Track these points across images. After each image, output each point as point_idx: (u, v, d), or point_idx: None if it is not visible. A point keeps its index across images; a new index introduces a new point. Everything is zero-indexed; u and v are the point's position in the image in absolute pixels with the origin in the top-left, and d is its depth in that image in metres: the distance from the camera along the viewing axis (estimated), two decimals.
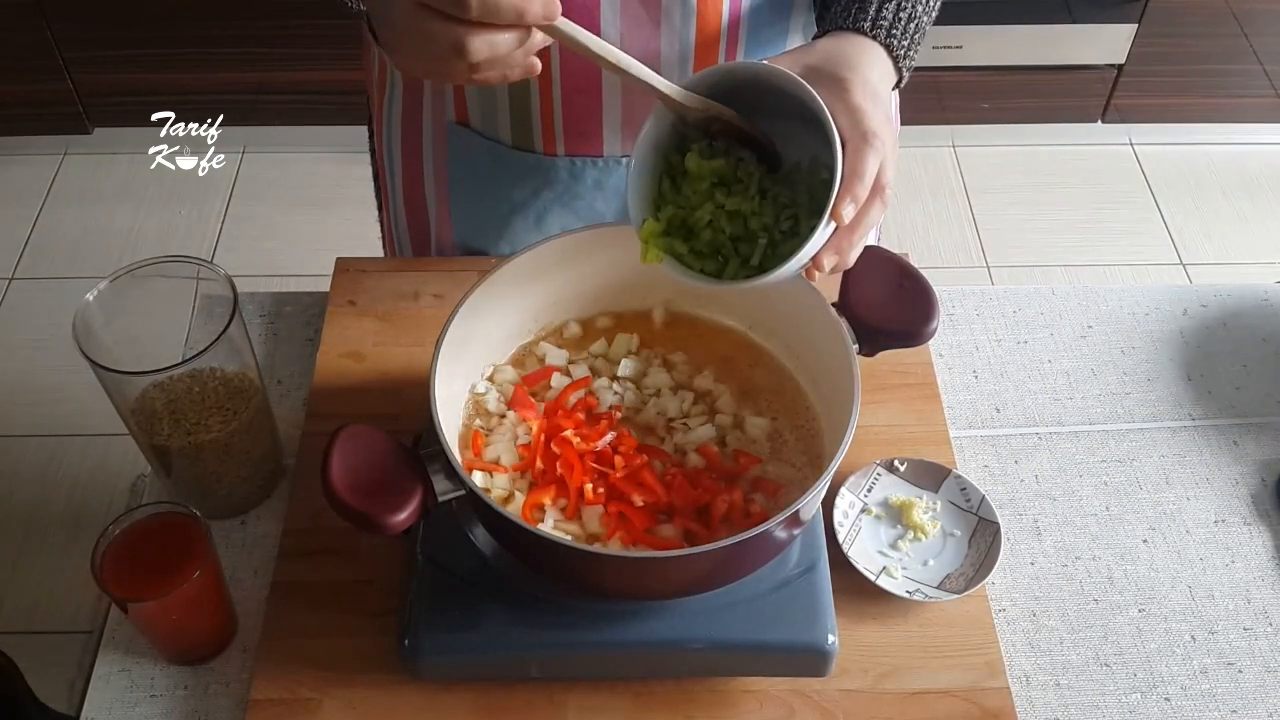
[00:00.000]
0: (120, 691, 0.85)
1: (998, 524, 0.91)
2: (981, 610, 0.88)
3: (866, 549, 0.91)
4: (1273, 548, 0.95)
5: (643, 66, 0.73)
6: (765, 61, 0.74)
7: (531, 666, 0.82)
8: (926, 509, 0.93)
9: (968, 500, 0.93)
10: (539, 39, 0.70)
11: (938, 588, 0.88)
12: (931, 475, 0.95)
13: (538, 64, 0.71)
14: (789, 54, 0.78)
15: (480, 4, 0.65)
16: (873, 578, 0.88)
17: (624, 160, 1.02)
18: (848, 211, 0.70)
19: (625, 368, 0.90)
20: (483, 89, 0.98)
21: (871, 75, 0.76)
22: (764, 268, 0.74)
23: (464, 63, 0.68)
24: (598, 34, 0.91)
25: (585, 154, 1.02)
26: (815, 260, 0.73)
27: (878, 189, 0.73)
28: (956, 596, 0.87)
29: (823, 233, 0.71)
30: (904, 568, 0.90)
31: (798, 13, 0.97)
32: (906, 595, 0.87)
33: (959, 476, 0.94)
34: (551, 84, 0.96)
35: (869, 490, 0.95)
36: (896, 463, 0.95)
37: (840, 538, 0.90)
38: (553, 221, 1.07)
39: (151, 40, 2.37)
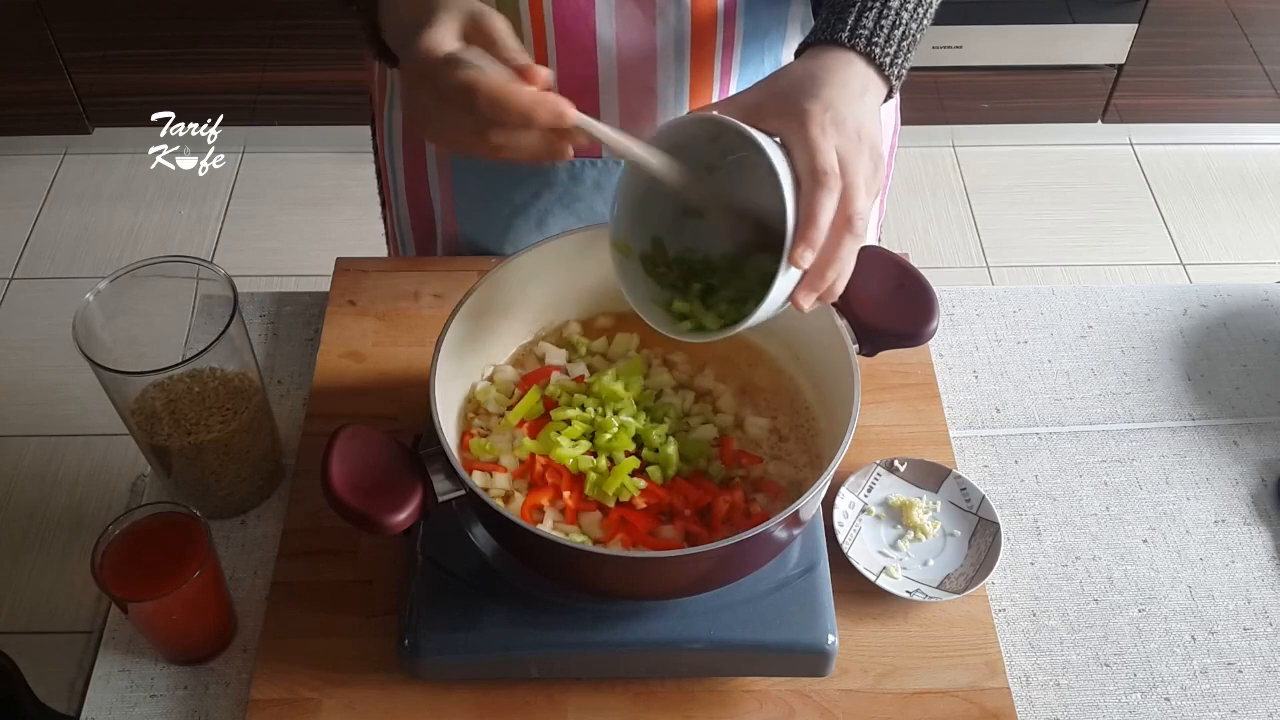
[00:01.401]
0: (120, 691, 0.85)
1: (998, 524, 0.91)
2: (981, 610, 0.88)
3: (867, 549, 0.91)
4: (1273, 548, 0.95)
5: (652, 160, 0.73)
6: (715, 113, 0.73)
7: (531, 666, 0.82)
8: (926, 509, 0.93)
9: (968, 500, 0.93)
10: (573, 143, 0.71)
11: (938, 588, 0.88)
12: (932, 475, 0.95)
13: (568, 151, 0.71)
14: (762, 82, 0.76)
15: (489, 102, 0.67)
16: (873, 578, 0.88)
17: (623, 162, 1.02)
18: (805, 257, 0.69)
19: None
20: None
21: (841, 95, 0.73)
22: (741, 316, 0.73)
23: (485, 147, 0.70)
24: (592, 30, 0.92)
25: (584, 155, 1.02)
26: (793, 302, 0.72)
27: (843, 222, 0.70)
28: (957, 596, 0.87)
29: (784, 279, 0.70)
30: (904, 568, 0.90)
31: (795, 1, 0.96)
32: (906, 595, 0.87)
33: (959, 476, 0.94)
34: (550, 87, 0.95)
35: (869, 490, 0.95)
36: (896, 463, 0.95)
37: (840, 538, 0.90)
38: (554, 224, 1.07)
39: (151, 40, 2.37)
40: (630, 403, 0.85)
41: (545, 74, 0.69)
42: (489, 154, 0.71)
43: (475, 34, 0.71)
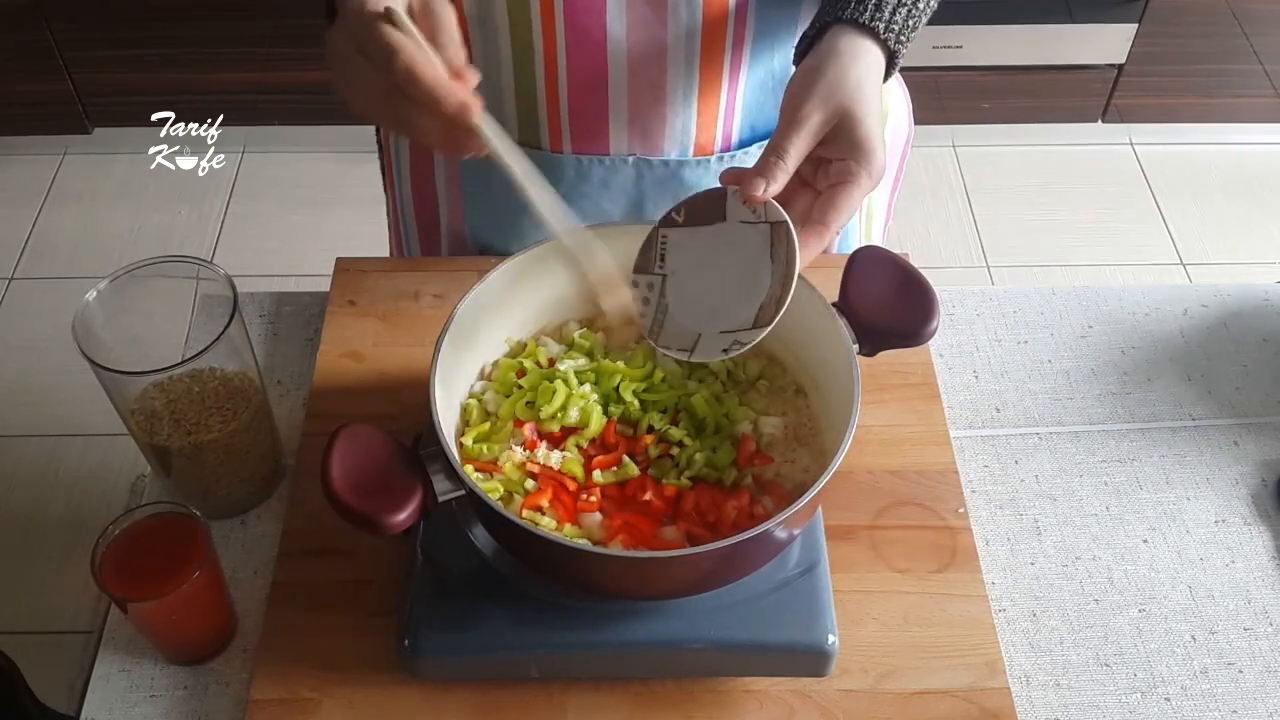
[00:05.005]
0: (120, 691, 0.85)
1: (786, 221, 0.77)
2: (981, 610, 0.88)
3: (678, 324, 0.81)
4: (1273, 548, 0.95)
5: (546, 207, 0.75)
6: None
7: (531, 666, 0.82)
8: None
9: (754, 212, 0.79)
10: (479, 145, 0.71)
11: (754, 327, 0.78)
12: (715, 206, 0.81)
13: (471, 148, 0.71)
14: (818, 94, 0.78)
15: (405, 69, 0.67)
16: (687, 356, 0.80)
17: (630, 159, 1.02)
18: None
19: None
20: (488, 83, 0.98)
21: (857, 69, 0.78)
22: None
23: (390, 116, 0.70)
24: (603, 28, 0.92)
25: (592, 152, 1.02)
26: (747, 194, 0.76)
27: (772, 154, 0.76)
28: (771, 328, 0.77)
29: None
30: (720, 324, 0.79)
31: (807, 1, 0.96)
32: (724, 354, 0.78)
33: (736, 191, 0.80)
34: (558, 81, 0.95)
35: (661, 260, 0.83)
36: (674, 214, 0.83)
37: (646, 329, 0.82)
38: None
39: (151, 40, 2.37)
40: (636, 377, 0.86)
41: (475, 79, 0.69)
42: (392, 125, 0.71)
43: (422, 19, 0.70)
